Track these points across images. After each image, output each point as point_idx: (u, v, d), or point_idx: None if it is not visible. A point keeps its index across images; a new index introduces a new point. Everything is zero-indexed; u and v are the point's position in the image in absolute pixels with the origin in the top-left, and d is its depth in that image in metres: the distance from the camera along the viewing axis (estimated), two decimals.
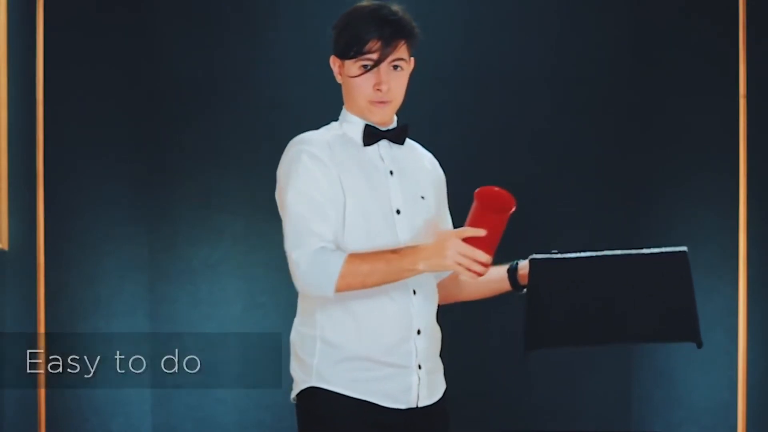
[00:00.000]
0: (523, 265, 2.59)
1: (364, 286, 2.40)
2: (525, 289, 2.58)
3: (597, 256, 2.40)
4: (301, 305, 2.58)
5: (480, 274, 2.36)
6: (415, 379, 2.49)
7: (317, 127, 2.63)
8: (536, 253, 2.46)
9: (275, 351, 4.60)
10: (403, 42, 2.47)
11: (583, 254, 2.41)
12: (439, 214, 2.64)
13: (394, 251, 2.40)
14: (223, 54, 4.62)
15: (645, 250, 2.40)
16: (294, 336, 2.60)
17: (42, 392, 4.37)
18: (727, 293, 4.47)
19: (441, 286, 2.65)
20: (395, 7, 2.49)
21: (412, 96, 4.50)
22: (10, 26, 4.03)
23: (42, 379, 4.37)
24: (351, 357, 2.46)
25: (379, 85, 2.47)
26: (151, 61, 4.60)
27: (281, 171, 2.53)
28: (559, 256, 2.43)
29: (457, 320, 4.65)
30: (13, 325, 4.12)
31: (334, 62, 2.55)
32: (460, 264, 2.34)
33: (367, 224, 2.46)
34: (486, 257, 2.34)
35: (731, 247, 4.45)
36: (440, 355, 2.61)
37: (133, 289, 4.56)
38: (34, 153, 4.37)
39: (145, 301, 4.57)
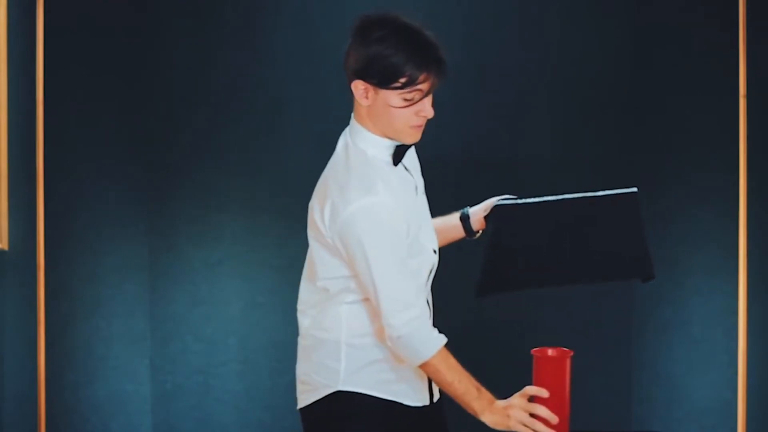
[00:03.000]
0: (475, 211, 2.65)
1: (435, 380, 2.47)
2: (477, 234, 2.63)
3: (555, 200, 2.46)
4: (320, 310, 2.54)
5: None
6: (427, 376, 2.55)
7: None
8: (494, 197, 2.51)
9: (275, 351, 4.60)
10: None
11: (542, 198, 2.47)
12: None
13: (477, 387, 2.50)
14: (223, 54, 4.62)
15: (599, 192, 2.45)
16: (309, 341, 2.57)
17: (42, 392, 4.37)
18: (727, 293, 4.47)
19: None
20: (430, 34, 2.42)
21: None
22: (10, 26, 4.04)
23: (42, 379, 4.37)
24: (376, 359, 2.50)
25: (424, 112, 2.43)
26: (150, 61, 4.60)
27: (353, 227, 2.37)
28: (519, 201, 2.48)
29: (457, 320, 4.65)
30: (13, 325, 4.12)
31: (359, 86, 2.42)
32: (524, 426, 2.43)
33: (416, 238, 2.47)
34: (554, 418, 2.44)
35: (731, 247, 4.44)
36: None
37: (133, 289, 4.56)
38: (34, 153, 4.37)
39: (145, 301, 4.57)
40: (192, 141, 4.61)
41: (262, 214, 4.60)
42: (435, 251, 2.54)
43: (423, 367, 2.43)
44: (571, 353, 2.47)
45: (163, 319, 4.58)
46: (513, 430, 2.42)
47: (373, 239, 2.35)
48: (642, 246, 2.47)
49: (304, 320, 2.59)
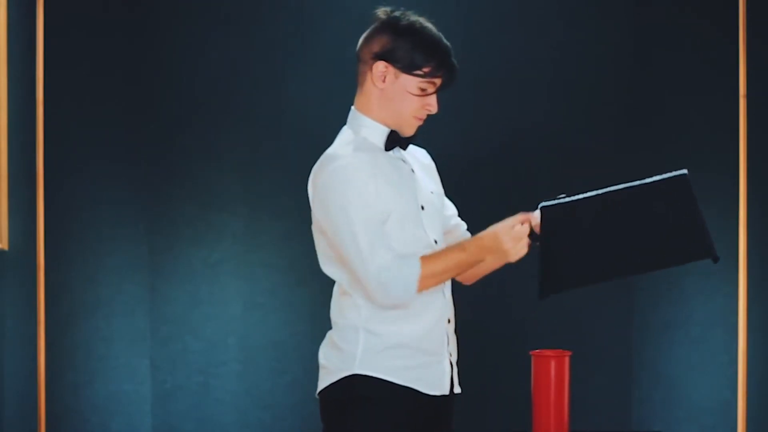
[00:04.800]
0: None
1: (438, 284, 2.52)
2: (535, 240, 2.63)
3: (603, 193, 2.44)
4: (339, 297, 2.61)
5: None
6: (448, 366, 2.59)
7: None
8: (544, 201, 2.50)
9: (275, 351, 4.60)
10: None
11: (588, 194, 2.45)
12: (444, 204, 2.75)
13: (460, 248, 2.49)
14: (223, 54, 4.62)
15: (647, 180, 2.43)
16: (333, 328, 2.63)
17: (42, 392, 4.37)
18: (727, 293, 4.47)
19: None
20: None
21: None
22: (10, 26, 4.04)
23: (42, 379, 4.37)
24: (394, 345, 2.53)
25: (429, 106, 2.58)
26: (150, 61, 4.60)
27: (323, 191, 2.52)
28: (566, 199, 2.46)
29: (458, 320, 4.65)
30: (13, 325, 4.12)
31: (381, 66, 2.56)
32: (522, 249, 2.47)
33: (402, 223, 2.54)
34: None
35: (731, 247, 4.44)
36: None
37: (133, 289, 4.56)
38: (34, 153, 4.37)
39: (145, 301, 4.57)
40: (192, 141, 4.61)
41: (262, 214, 4.60)
42: (436, 241, 2.60)
43: (422, 289, 2.49)
44: (570, 354, 2.48)
45: (163, 319, 4.58)
46: (513, 256, 2.47)
47: (338, 196, 2.48)
48: (700, 226, 2.44)
49: (331, 308, 2.66)
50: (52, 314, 4.42)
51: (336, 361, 2.56)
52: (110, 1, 4.55)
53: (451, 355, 2.61)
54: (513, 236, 2.45)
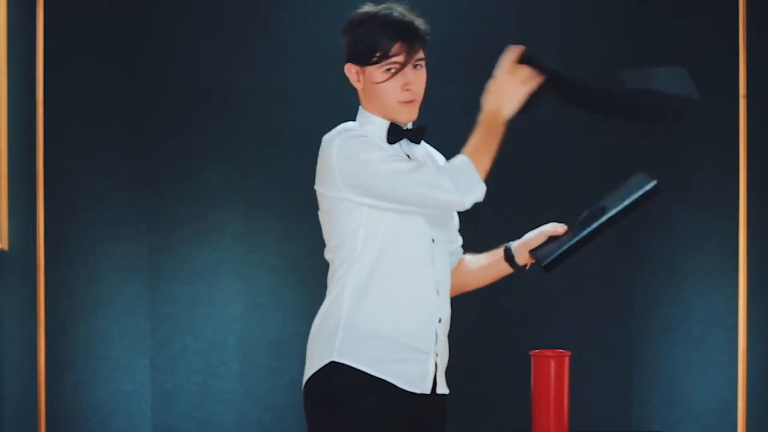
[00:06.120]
0: (517, 247, 2.70)
1: (490, 163, 2.54)
2: (526, 268, 2.69)
3: (593, 229, 2.64)
4: (330, 288, 2.60)
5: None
6: (432, 366, 2.55)
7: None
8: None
9: (275, 351, 4.60)
10: (421, 42, 2.57)
11: (582, 234, 2.63)
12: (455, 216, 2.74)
13: (480, 126, 2.57)
14: (223, 53, 4.62)
15: (628, 201, 2.65)
16: (316, 321, 2.61)
17: (42, 392, 4.37)
18: (727, 293, 4.47)
19: (453, 285, 2.71)
20: (406, 9, 2.58)
21: None
22: (10, 26, 4.04)
23: (42, 379, 4.37)
24: (375, 336, 2.51)
25: (408, 85, 2.55)
26: (150, 60, 4.60)
27: (341, 156, 2.51)
28: (560, 251, 2.61)
29: (457, 320, 4.65)
30: (13, 325, 4.12)
31: (350, 69, 2.58)
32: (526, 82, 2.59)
33: (401, 217, 2.53)
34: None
35: (731, 247, 4.44)
36: None
37: (133, 289, 4.56)
38: (34, 153, 4.37)
39: (145, 301, 4.57)
40: (192, 141, 4.61)
41: (262, 214, 4.60)
42: (434, 240, 2.59)
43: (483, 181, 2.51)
44: (569, 353, 2.48)
45: (163, 319, 4.58)
46: (525, 94, 2.59)
47: (360, 152, 2.49)
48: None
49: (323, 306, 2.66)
50: (52, 314, 4.42)
51: (317, 350, 2.55)
52: (110, 1, 4.55)
53: (437, 355, 2.57)
54: (506, 83, 2.61)
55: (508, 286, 4.37)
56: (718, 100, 4.49)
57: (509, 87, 2.62)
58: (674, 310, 4.55)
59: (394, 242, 2.51)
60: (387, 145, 2.56)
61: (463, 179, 2.47)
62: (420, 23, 2.56)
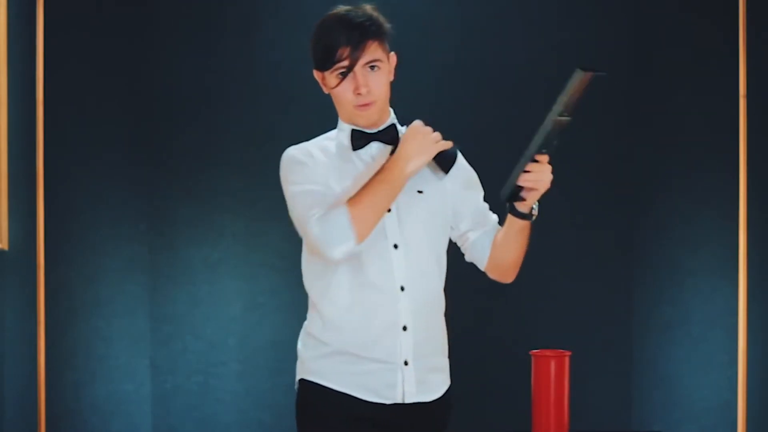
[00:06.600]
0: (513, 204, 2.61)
1: (379, 215, 2.44)
2: (533, 215, 2.60)
3: (535, 140, 2.72)
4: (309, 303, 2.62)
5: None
6: (399, 376, 2.50)
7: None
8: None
9: (275, 351, 4.60)
10: (373, 42, 2.48)
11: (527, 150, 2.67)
12: (464, 201, 2.66)
13: (378, 172, 2.45)
14: (223, 54, 4.62)
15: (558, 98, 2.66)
16: (300, 333, 2.65)
17: (42, 392, 4.37)
18: (727, 293, 4.47)
19: (491, 266, 2.64)
20: (363, 9, 2.50)
21: (412, 95, 4.51)
22: (10, 26, 4.03)
23: (42, 379, 4.37)
24: (336, 351, 2.51)
25: (358, 89, 2.48)
26: (150, 60, 4.60)
27: (281, 177, 2.58)
28: (512, 174, 2.63)
29: (458, 320, 4.65)
30: (13, 325, 4.12)
31: (317, 76, 2.56)
32: (437, 141, 2.48)
33: None
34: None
35: (731, 247, 4.45)
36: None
37: (133, 289, 4.56)
38: (34, 153, 4.37)
39: (145, 301, 4.57)
40: (192, 141, 4.61)
41: (262, 214, 4.60)
42: (396, 245, 2.51)
43: (360, 234, 2.44)
44: (570, 353, 2.48)
45: (163, 319, 4.58)
46: (432, 153, 2.48)
47: (284, 172, 2.55)
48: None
49: None
50: (52, 314, 4.42)
51: (298, 365, 2.59)
52: (110, 1, 4.55)
53: (407, 363, 2.50)
54: (418, 133, 2.47)
55: (509, 287, 4.38)
56: (718, 100, 4.50)
57: (423, 143, 2.48)
58: (674, 310, 4.56)
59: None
60: (319, 159, 2.53)
61: (332, 231, 2.41)
62: (373, 23, 2.48)
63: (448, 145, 2.52)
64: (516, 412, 4.28)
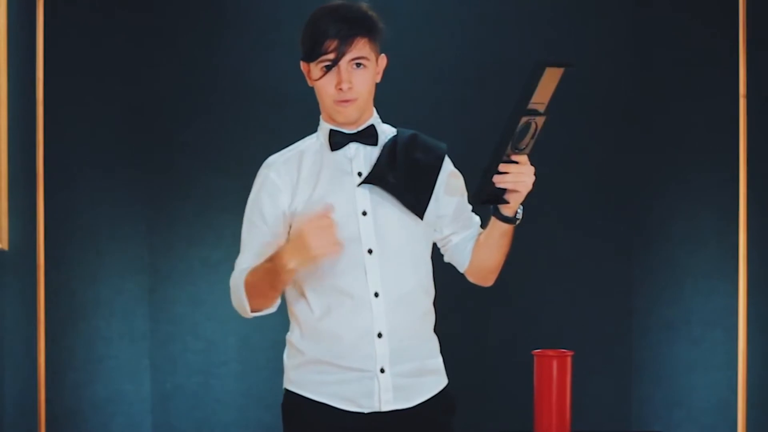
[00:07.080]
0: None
1: (267, 297, 2.43)
2: (517, 219, 2.51)
3: (499, 142, 2.62)
4: None
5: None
6: (376, 384, 2.45)
7: (316, 127, 2.62)
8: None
9: (275, 351, 4.60)
10: (362, 39, 2.43)
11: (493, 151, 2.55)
12: (447, 204, 2.59)
13: (269, 258, 2.40)
14: (223, 54, 4.62)
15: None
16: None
17: (42, 392, 4.37)
18: (727, 293, 4.47)
19: (472, 269, 2.59)
20: (358, 5, 2.46)
21: (412, 95, 4.50)
22: (10, 27, 4.03)
23: (42, 379, 4.37)
24: (312, 360, 2.49)
25: (340, 84, 2.43)
26: (150, 61, 4.60)
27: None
28: (481, 177, 2.52)
29: (458, 321, 4.65)
30: (13, 325, 4.11)
31: (303, 67, 2.50)
32: (322, 250, 2.30)
33: (338, 227, 2.36)
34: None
35: (731, 247, 4.45)
36: (442, 356, 2.60)
37: (133, 289, 4.56)
38: (34, 153, 4.37)
39: (145, 302, 4.57)
40: (192, 141, 4.61)
41: None
42: (371, 251, 2.45)
43: (252, 308, 2.45)
44: (572, 353, 2.48)
45: (163, 319, 4.58)
46: (315, 251, 2.29)
47: (255, 185, 2.63)
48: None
49: None
50: (52, 314, 4.41)
51: (284, 376, 2.58)
52: (110, 3, 4.55)
53: (383, 370, 2.44)
54: (317, 227, 2.30)
55: (509, 287, 4.38)
56: (718, 100, 4.50)
57: (309, 246, 2.30)
58: (674, 310, 4.56)
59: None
60: (286, 181, 2.53)
61: (235, 293, 2.47)
62: (366, 20, 2.43)
63: (334, 250, 2.31)
64: (517, 412, 4.27)
